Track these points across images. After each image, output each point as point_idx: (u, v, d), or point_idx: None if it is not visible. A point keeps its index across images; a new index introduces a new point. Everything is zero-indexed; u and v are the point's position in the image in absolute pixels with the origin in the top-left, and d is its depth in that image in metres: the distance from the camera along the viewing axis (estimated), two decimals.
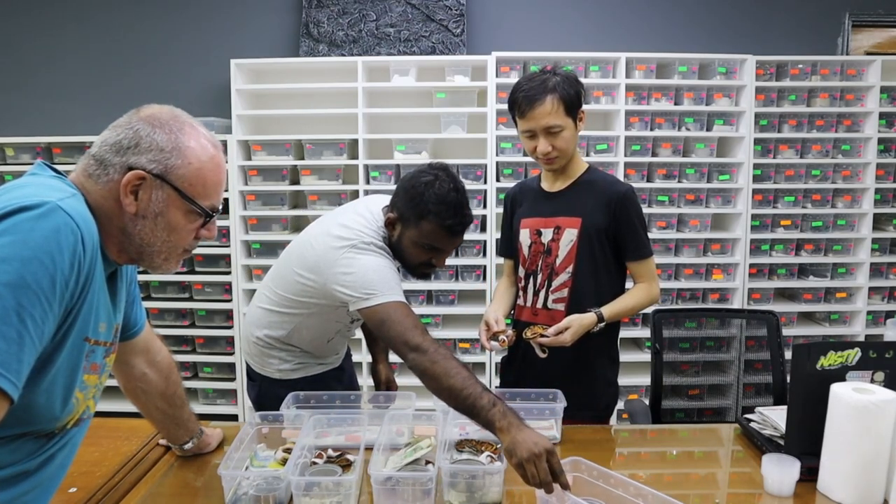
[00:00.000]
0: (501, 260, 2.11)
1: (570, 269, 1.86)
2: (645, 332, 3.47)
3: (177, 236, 1.08)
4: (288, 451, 1.47)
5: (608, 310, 1.81)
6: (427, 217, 1.62)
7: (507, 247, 2.03)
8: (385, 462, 1.46)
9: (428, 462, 1.46)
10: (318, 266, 1.65)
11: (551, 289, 1.88)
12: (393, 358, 2.03)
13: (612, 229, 1.84)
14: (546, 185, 1.94)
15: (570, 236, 1.85)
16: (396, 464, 1.45)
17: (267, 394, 1.84)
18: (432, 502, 1.33)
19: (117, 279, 1.13)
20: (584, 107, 1.82)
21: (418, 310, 3.50)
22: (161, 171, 1.03)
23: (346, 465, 1.45)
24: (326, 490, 1.32)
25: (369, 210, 1.73)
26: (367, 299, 1.54)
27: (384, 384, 2.13)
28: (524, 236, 1.93)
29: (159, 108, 1.08)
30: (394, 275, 1.61)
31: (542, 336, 1.75)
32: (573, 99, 1.77)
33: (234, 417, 3.54)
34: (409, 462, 1.45)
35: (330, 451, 1.51)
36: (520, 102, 1.77)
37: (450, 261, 3.48)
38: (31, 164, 3.83)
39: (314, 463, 1.46)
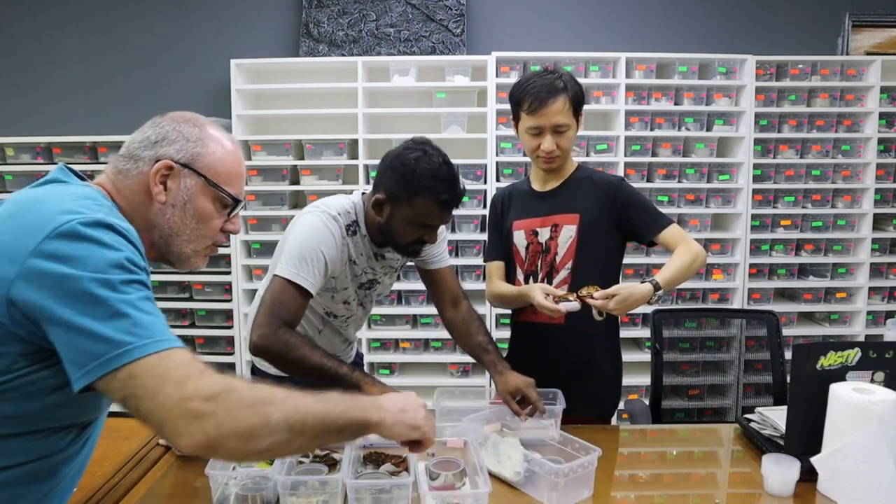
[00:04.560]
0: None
1: (569, 265, 1.85)
2: (645, 332, 3.46)
3: (205, 225, 1.13)
4: None
5: (662, 276, 1.70)
6: (421, 194, 1.56)
7: (497, 249, 1.98)
8: None
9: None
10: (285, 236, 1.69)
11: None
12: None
13: (616, 219, 1.83)
14: (537, 186, 1.93)
15: (568, 233, 1.85)
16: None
17: None
18: None
19: None
20: (584, 107, 1.83)
21: (417, 310, 3.51)
22: (188, 160, 1.09)
23: (332, 465, 1.45)
24: (313, 489, 1.32)
25: (348, 196, 1.75)
26: (276, 267, 1.57)
27: None
28: (519, 238, 1.91)
29: (180, 112, 1.17)
30: (315, 257, 1.57)
31: (591, 298, 1.67)
32: (580, 99, 1.79)
33: None
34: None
35: (316, 450, 1.50)
36: (531, 99, 1.74)
37: (450, 261, 3.47)
38: (31, 164, 3.82)
39: (301, 462, 1.46)
